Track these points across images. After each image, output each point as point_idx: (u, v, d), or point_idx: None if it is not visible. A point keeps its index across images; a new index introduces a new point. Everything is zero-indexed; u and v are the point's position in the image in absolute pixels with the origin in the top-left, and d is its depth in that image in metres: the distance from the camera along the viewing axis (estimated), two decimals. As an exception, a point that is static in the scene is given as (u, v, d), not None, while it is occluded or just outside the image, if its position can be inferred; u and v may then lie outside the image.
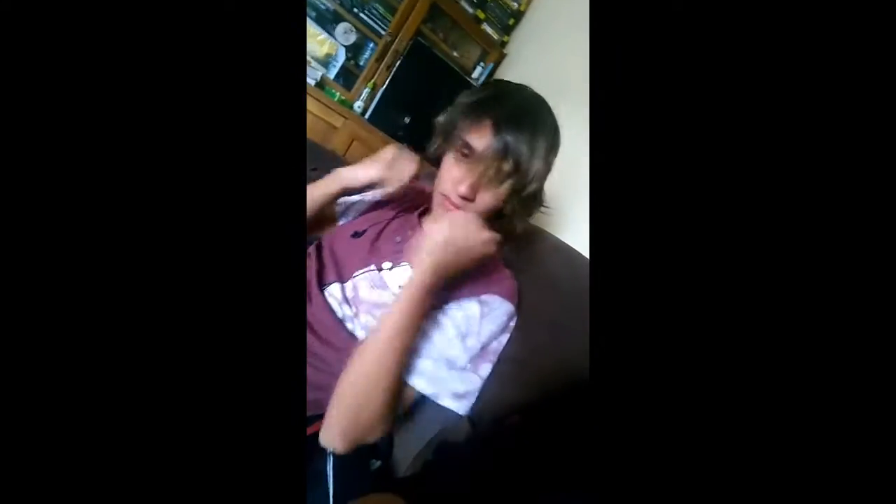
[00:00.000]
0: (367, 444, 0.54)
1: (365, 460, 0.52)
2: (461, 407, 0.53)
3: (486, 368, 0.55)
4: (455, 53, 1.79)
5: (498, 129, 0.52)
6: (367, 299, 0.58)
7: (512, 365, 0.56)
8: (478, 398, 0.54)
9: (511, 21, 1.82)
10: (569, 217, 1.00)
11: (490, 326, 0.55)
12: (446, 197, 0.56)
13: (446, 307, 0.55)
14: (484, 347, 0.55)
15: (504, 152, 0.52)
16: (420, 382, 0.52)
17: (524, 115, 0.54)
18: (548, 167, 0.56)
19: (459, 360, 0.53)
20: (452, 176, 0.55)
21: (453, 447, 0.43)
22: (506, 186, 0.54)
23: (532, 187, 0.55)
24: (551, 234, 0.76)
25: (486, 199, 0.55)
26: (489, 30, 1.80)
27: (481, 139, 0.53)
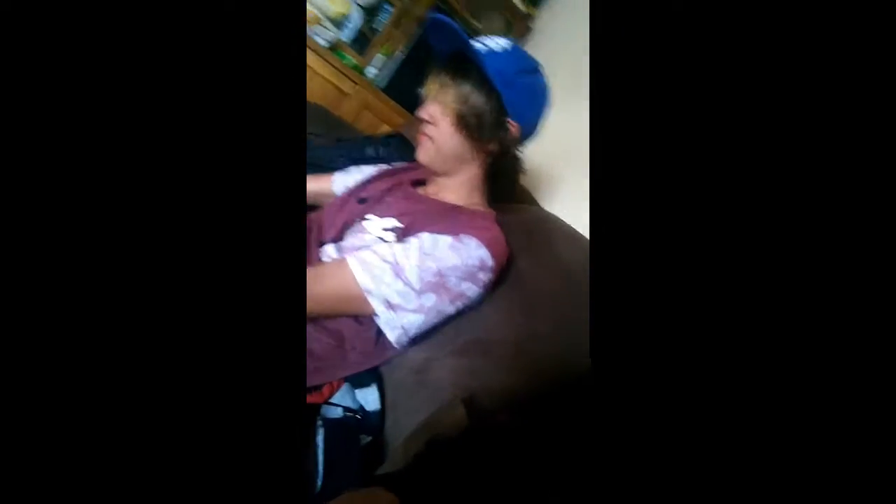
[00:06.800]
0: (356, 419, 0.53)
1: (355, 434, 0.52)
2: (386, 320, 0.54)
3: (429, 298, 0.54)
4: (476, 23, 1.71)
5: (449, 61, 0.63)
6: (349, 246, 0.62)
7: (507, 348, 0.55)
8: (418, 334, 0.55)
9: (539, -7, 1.73)
10: (573, 199, 0.96)
11: (454, 259, 0.55)
12: (421, 131, 0.65)
13: (420, 234, 0.57)
14: (439, 274, 0.54)
15: (452, 76, 0.62)
16: (362, 275, 0.53)
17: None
18: (491, 104, 0.61)
19: (407, 270, 0.53)
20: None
21: (446, 440, 0.43)
22: (453, 106, 0.61)
23: (478, 117, 0.61)
24: (568, 224, 0.73)
25: (445, 126, 0.62)
26: (515, 0, 1.72)
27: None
